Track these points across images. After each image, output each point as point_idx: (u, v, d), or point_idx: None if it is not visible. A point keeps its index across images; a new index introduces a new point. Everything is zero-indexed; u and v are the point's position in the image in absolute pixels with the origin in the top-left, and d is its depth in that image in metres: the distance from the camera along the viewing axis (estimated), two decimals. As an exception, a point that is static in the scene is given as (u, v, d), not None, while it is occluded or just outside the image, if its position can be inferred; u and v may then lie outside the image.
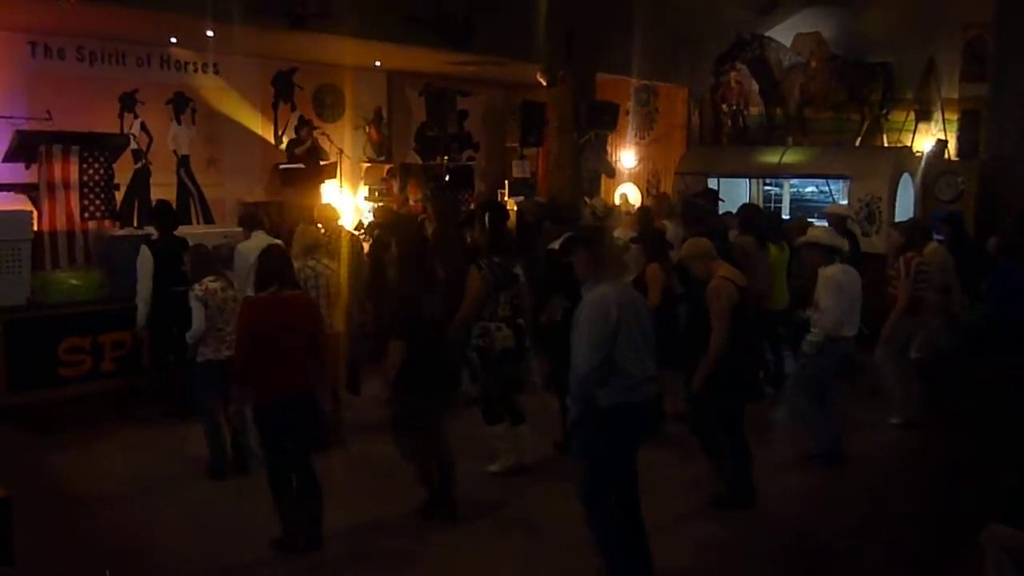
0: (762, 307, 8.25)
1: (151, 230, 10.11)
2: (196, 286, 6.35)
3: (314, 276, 6.84)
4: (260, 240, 7.31)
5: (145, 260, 7.48)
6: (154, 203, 8.99)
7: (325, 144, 13.01)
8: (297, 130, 12.70)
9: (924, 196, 12.93)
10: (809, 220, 10.45)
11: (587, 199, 11.59)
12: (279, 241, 7.19)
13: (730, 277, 5.84)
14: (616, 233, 8.93)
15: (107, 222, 9.08)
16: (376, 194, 13.72)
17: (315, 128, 12.87)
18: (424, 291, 5.69)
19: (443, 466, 5.83)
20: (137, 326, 7.60)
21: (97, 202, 8.95)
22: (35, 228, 8.56)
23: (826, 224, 9.04)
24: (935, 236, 8.86)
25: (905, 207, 12.55)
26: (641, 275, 7.15)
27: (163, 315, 7.44)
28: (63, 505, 6.05)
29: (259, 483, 5.44)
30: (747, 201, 11.11)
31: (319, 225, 8.15)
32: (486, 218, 6.72)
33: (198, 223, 11.98)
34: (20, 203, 9.04)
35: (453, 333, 6.08)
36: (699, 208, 8.78)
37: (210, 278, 6.39)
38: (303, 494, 5.35)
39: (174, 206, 11.84)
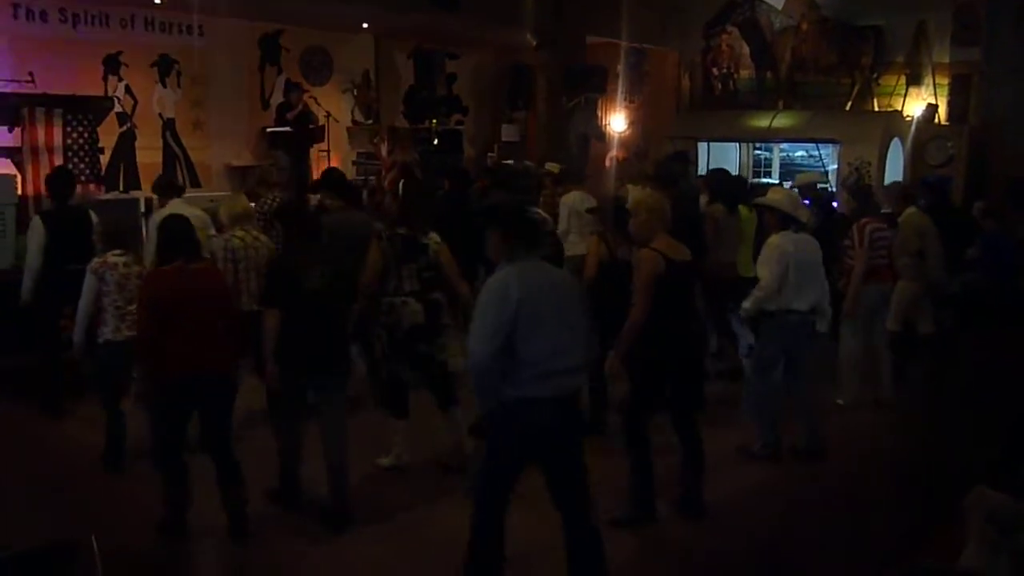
0: (728, 277, 7.84)
1: (137, 194, 10.12)
2: (95, 259, 5.91)
3: (243, 248, 6.29)
4: (176, 209, 6.61)
5: (36, 232, 6.89)
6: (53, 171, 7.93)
7: (313, 107, 12.90)
8: (286, 94, 12.57)
9: (914, 161, 12.93)
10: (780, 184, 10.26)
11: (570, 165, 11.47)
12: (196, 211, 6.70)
13: (662, 249, 5.20)
14: (571, 199, 8.72)
15: (92, 186, 9.00)
16: (364, 158, 13.67)
17: (305, 92, 12.75)
18: (303, 257, 5.25)
19: (330, 466, 5.29)
20: (22, 301, 6.97)
21: (82, 166, 8.88)
22: (19, 192, 8.49)
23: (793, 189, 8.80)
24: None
25: (895, 172, 12.55)
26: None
27: (51, 294, 6.84)
28: (49, 470, 6.03)
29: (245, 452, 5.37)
30: (718, 166, 10.96)
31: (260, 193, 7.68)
32: (399, 185, 6.36)
33: (185, 187, 11.89)
34: (4, 167, 8.96)
35: (359, 308, 5.71)
36: (673, 171, 8.49)
37: (116, 252, 5.91)
38: (224, 481, 5.02)
39: (166, 173, 11.83)
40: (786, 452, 6.43)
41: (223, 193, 10.29)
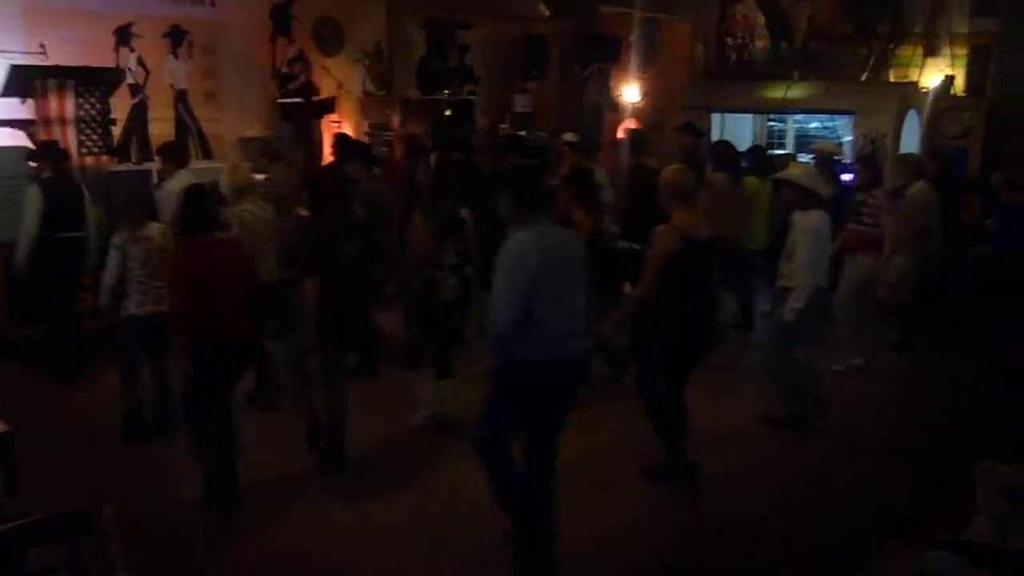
0: (732, 247, 7.61)
1: (150, 166, 10.12)
2: (117, 233, 5.94)
3: (254, 221, 6.33)
4: (183, 180, 6.72)
5: (33, 200, 7.00)
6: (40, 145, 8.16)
7: (324, 78, 12.85)
8: (289, 65, 12.54)
9: (930, 132, 12.82)
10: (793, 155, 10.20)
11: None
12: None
13: (680, 226, 5.19)
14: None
15: (105, 157, 9.02)
16: (376, 129, 13.62)
17: (308, 63, 12.69)
18: (337, 227, 5.48)
19: (334, 418, 5.62)
20: (17, 268, 7.17)
21: (94, 137, 8.91)
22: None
23: (811, 161, 8.73)
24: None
25: (910, 143, 12.45)
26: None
27: (50, 262, 7.01)
28: (65, 439, 6.10)
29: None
30: (724, 138, 10.94)
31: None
32: (432, 158, 6.46)
33: (197, 159, 11.87)
34: (17, 139, 8.97)
35: (409, 282, 5.97)
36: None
37: (152, 225, 6.02)
38: (222, 447, 5.12)
39: (178, 141, 11.81)
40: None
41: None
